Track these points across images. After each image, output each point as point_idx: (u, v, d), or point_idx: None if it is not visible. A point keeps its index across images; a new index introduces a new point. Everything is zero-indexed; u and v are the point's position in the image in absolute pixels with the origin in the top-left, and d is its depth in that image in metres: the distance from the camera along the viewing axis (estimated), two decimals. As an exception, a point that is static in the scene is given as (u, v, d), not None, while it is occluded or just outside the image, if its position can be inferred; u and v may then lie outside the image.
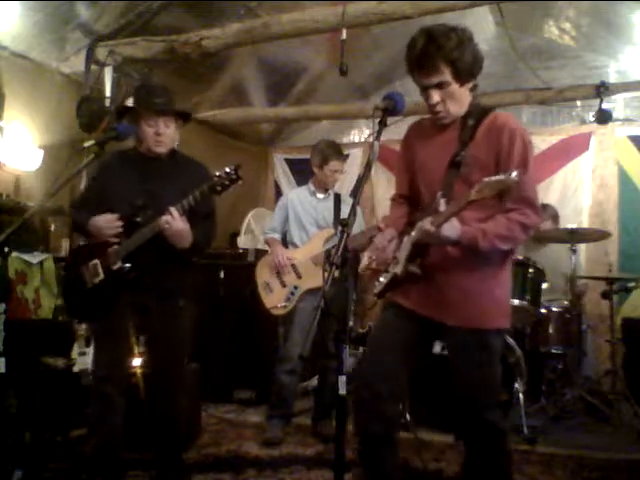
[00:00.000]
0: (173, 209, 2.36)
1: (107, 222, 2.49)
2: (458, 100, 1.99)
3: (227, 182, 2.27)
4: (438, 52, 1.87)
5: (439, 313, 2.03)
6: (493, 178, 1.72)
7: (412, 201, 2.22)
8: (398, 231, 2.12)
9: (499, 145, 1.94)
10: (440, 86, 1.93)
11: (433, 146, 2.08)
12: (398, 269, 2.03)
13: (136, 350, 2.75)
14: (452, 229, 1.86)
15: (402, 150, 2.22)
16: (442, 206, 1.87)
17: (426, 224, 1.86)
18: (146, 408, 2.67)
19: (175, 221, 2.35)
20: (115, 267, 2.48)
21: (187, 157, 2.74)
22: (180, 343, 2.65)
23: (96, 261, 2.53)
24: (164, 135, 2.57)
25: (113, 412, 2.50)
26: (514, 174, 1.67)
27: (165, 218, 2.36)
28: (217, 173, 2.34)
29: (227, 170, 2.27)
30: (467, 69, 1.93)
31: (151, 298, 2.54)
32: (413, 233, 1.98)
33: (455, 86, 1.95)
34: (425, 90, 1.97)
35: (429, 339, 2.23)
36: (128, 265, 2.47)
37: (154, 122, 2.55)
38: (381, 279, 2.12)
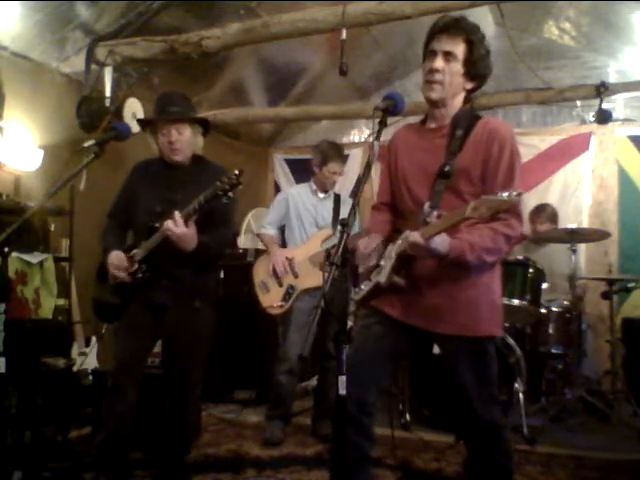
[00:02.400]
0: (177, 214, 2.37)
1: (119, 261, 2.57)
2: (454, 87, 1.99)
3: (228, 187, 2.28)
4: (465, 27, 1.98)
5: (427, 323, 2.01)
6: (492, 197, 1.65)
7: (394, 209, 2.19)
8: (383, 237, 2.10)
9: (487, 154, 1.94)
10: (448, 57, 1.96)
11: (419, 154, 2.07)
12: (382, 278, 1.98)
13: (153, 349, 2.79)
14: (442, 243, 1.83)
15: (386, 157, 2.19)
16: (432, 218, 1.84)
17: (415, 236, 1.82)
18: (157, 408, 2.69)
19: (177, 227, 2.36)
20: (131, 270, 2.56)
21: (211, 163, 2.72)
22: (193, 345, 2.62)
23: None
24: (178, 142, 2.58)
25: (124, 405, 2.52)
26: (515, 193, 1.62)
27: (167, 224, 2.37)
28: (220, 179, 2.33)
29: (229, 175, 2.28)
30: (476, 61, 1.97)
31: (168, 298, 2.57)
32: (399, 242, 1.94)
33: (459, 68, 1.97)
34: (433, 56, 1.98)
35: (419, 346, 2.20)
36: (144, 266, 2.55)
37: (167, 130, 2.57)
38: (362, 286, 2.09)
